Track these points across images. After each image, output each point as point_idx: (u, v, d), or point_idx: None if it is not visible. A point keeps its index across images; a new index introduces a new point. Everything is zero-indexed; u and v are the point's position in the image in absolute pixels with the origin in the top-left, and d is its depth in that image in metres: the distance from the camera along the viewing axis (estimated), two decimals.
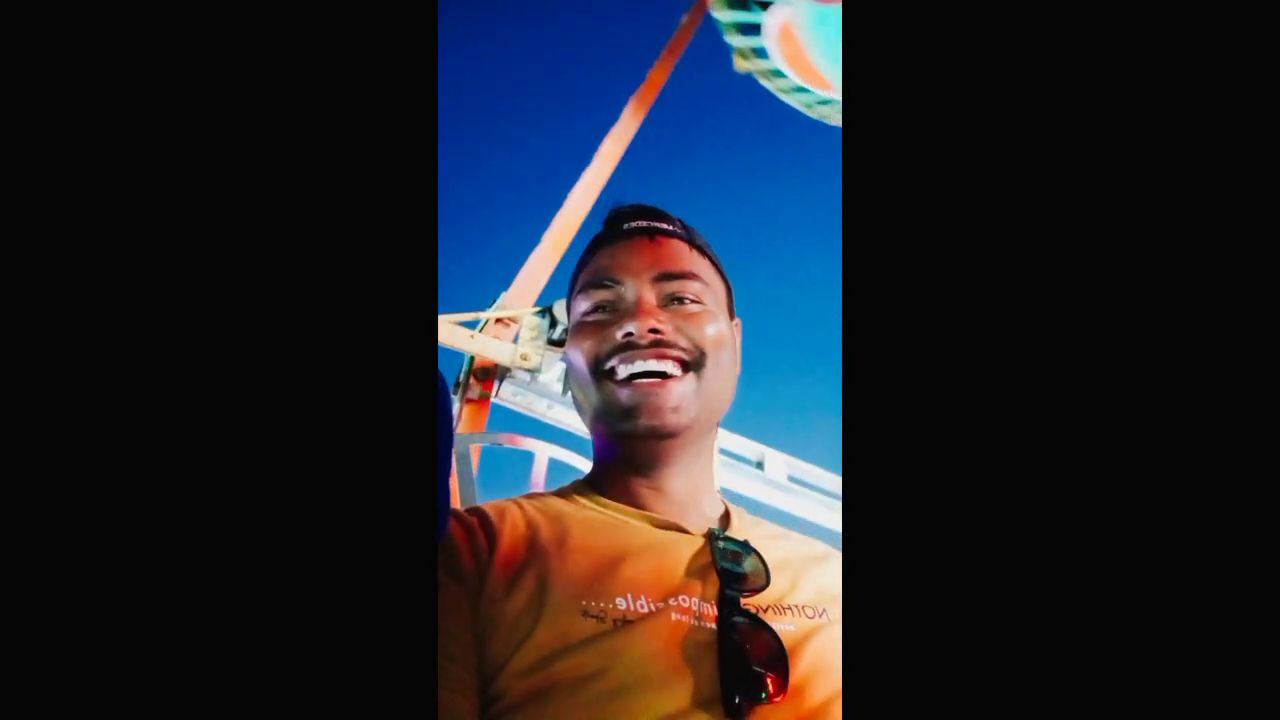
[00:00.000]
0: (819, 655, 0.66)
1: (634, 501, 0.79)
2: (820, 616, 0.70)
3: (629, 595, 0.64)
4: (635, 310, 0.80)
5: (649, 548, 0.71)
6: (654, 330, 0.78)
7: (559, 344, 2.58)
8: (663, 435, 0.78)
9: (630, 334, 0.78)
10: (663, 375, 0.78)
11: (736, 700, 0.58)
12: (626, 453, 0.81)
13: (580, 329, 0.83)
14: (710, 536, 0.75)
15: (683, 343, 0.79)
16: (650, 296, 0.81)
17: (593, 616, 0.62)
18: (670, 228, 0.87)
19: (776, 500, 2.96)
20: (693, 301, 0.82)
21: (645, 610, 0.63)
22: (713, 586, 0.68)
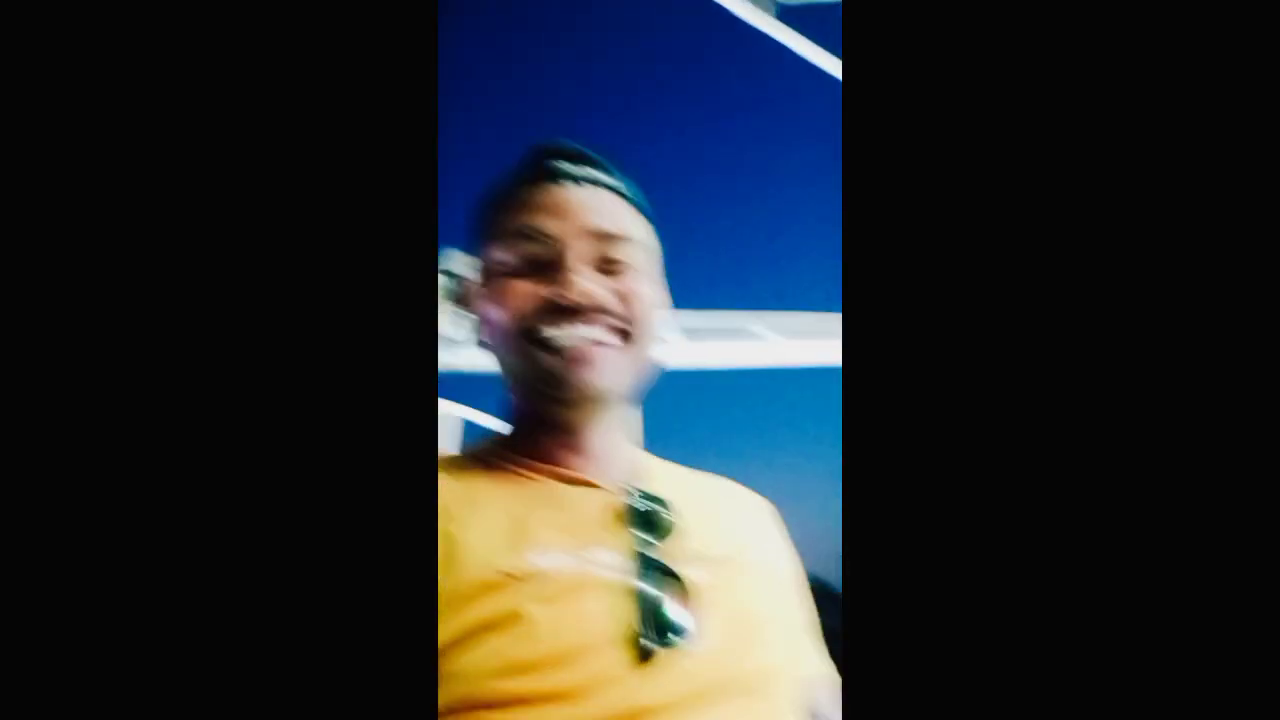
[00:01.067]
0: (728, 601, 0.69)
1: (551, 459, 0.77)
2: (726, 563, 0.73)
3: (542, 550, 0.65)
4: (567, 270, 0.74)
5: (561, 503, 0.72)
6: (588, 295, 0.74)
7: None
8: (594, 404, 0.75)
9: (564, 300, 0.73)
10: (593, 343, 0.74)
11: (647, 647, 0.62)
12: (548, 415, 0.77)
13: (500, 283, 0.76)
14: (623, 490, 0.75)
15: (618, 309, 0.75)
16: (583, 255, 0.75)
17: (505, 572, 0.63)
18: (606, 178, 0.80)
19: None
20: (627, 267, 0.77)
21: (559, 565, 0.65)
22: (625, 539, 0.70)
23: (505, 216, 0.78)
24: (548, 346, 0.74)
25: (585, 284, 0.74)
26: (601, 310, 0.75)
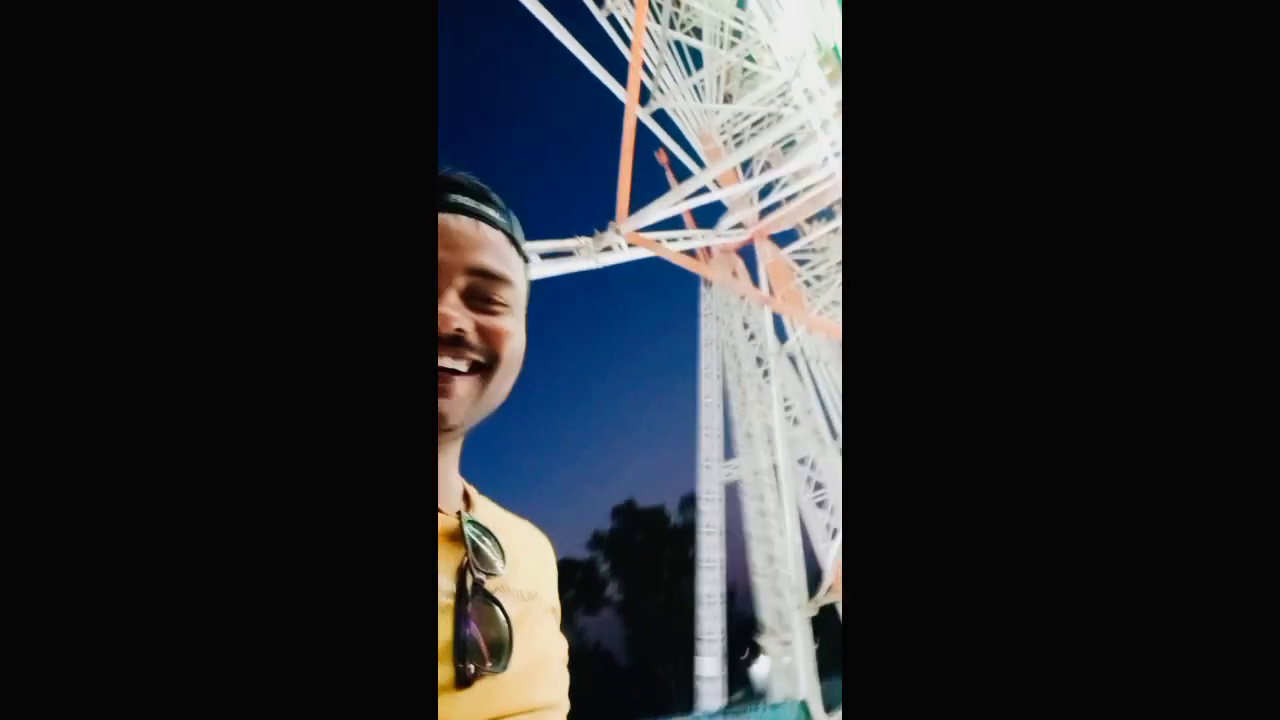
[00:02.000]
0: (532, 633, 0.76)
1: None
2: (531, 600, 0.80)
3: None
4: (445, 304, 0.76)
5: None
6: (458, 330, 0.76)
7: None
8: (440, 431, 0.77)
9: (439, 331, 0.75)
10: (451, 372, 0.77)
11: (469, 669, 0.67)
12: None
13: None
14: (460, 517, 0.79)
15: (480, 346, 0.78)
16: (459, 288, 0.78)
17: None
18: (497, 217, 0.83)
19: None
20: (500, 306, 0.80)
21: None
22: (453, 562, 0.74)
23: None
24: None
25: (457, 320, 0.76)
26: (465, 346, 0.77)
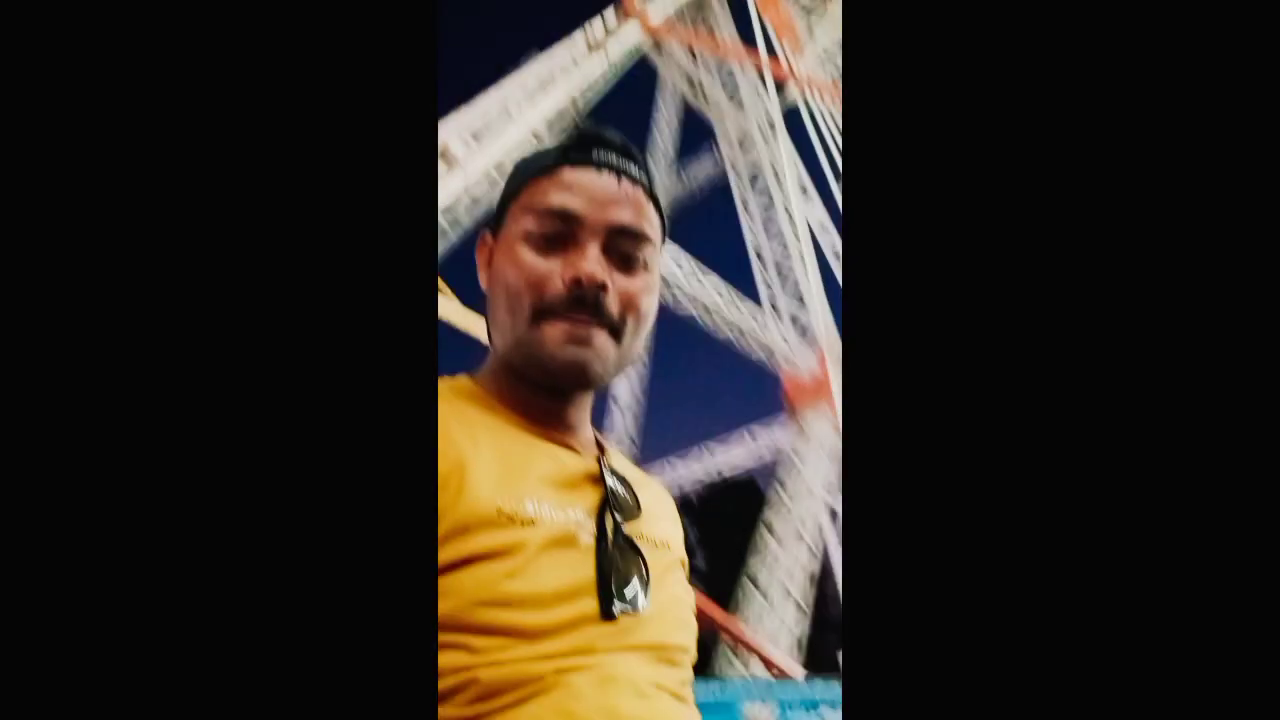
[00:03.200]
0: (664, 580, 0.79)
1: (529, 416, 0.82)
2: (664, 548, 0.83)
3: (535, 500, 0.72)
4: (586, 261, 0.78)
5: (548, 460, 0.79)
6: (602, 290, 0.78)
7: None
8: (581, 384, 0.81)
9: (578, 282, 0.77)
10: (590, 337, 0.78)
11: (615, 607, 0.71)
12: (529, 380, 0.82)
13: (521, 250, 0.81)
14: (599, 462, 0.82)
15: (618, 305, 0.80)
16: (601, 245, 0.80)
17: (505, 514, 0.70)
18: (638, 173, 0.84)
19: None
20: (640, 264, 0.82)
21: (547, 515, 0.72)
22: (594, 503, 0.77)
23: (539, 188, 0.82)
24: (548, 321, 0.78)
25: (596, 272, 0.77)
26: (603, 302, 0.78)
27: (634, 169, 0.84)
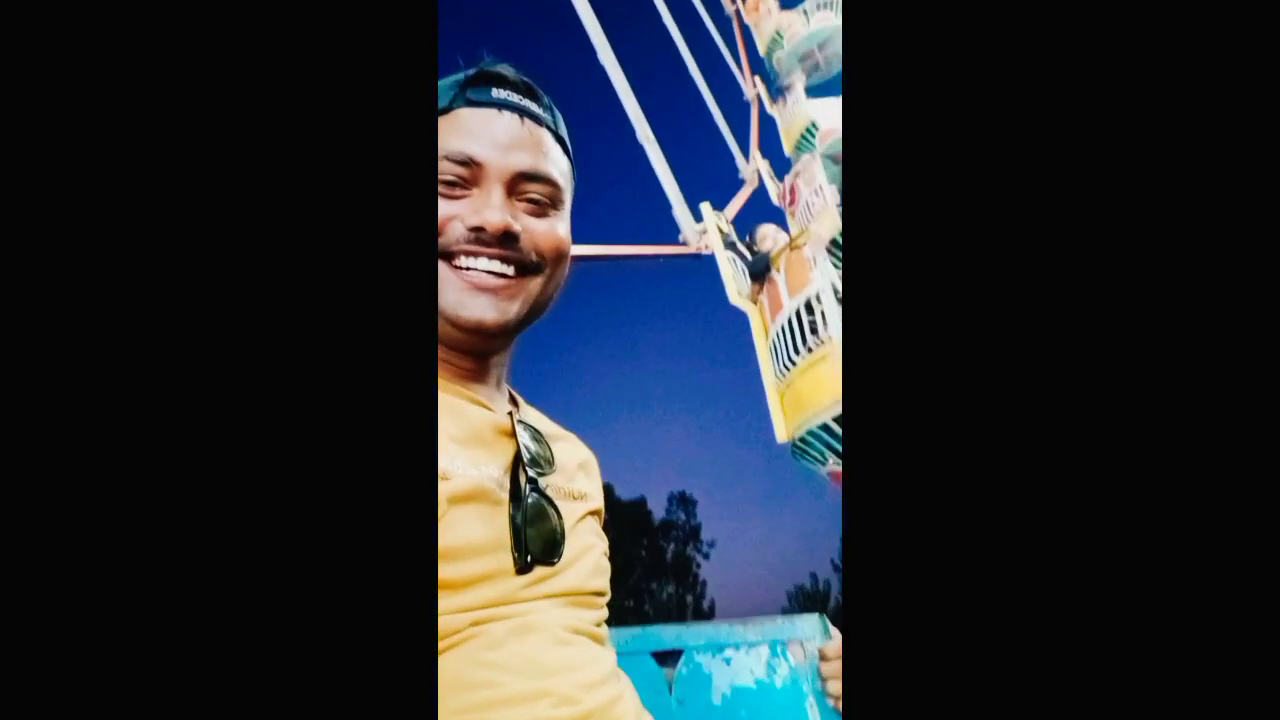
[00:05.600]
0: (579, 530, 0.80)
1: (447, 374, 0.80)
2: (581, 500, 0.83)
3: (446, 455, 0.71)
4: (491, 204, 0.76)
5: (460, 416, 0.77)
6: (507, 233, 0.76)
7: None
8: (482, 332, 0.78)
9: (482, 230, 0.75)
10: (500, 275, 0.77)
11: (528, 560, 0.71)
12: (443, 333, 0.79)
13: None
14: (512, 418, 0.80)
15: (527, 247, 0.78)
16: (507, 189, 0.78)
17: None
18: (541, 113, 0.81)
19: None
20: (546, 206, 0.80)
21: (460, 471, 0.71)
22: (509, 460, 0.77)
23: (439, 130, 0.79)
24: (455, 265, 0.76)
25: (498, 214, 0.75)
26: (508, 244, 0.76)
27: (536, 108, 0.81)
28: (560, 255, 0.80)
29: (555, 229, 0.80)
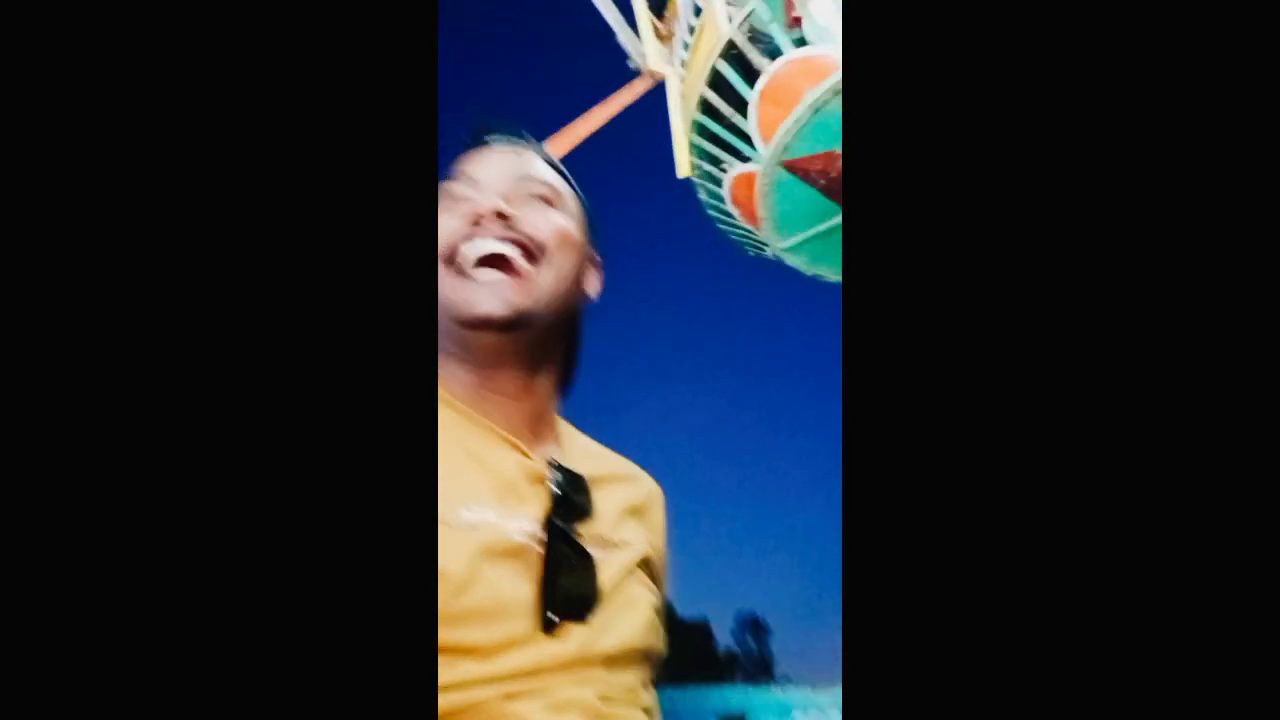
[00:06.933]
0: (623, 582, 0.76)
1: (477, 406, 0.78)
2: (626, 548, 0.78)
3: (475, 506, 0.69)
4: (486, 200, 0.78)
5: (489, 460, 0.75)
6: (500, 214, 0.76)
7: None
8: (498, 325, 0.75)
9: (478, 215, 0.77)
10: (503, 260, 0.76)
11: (554, 619, 0.68)
12: (464, 349, 0.78)
13: (439, 222, 0.80)
14: (549, 463, 0.78)
15: (526, 227, 0.77)
16: (505, 189, 0.80)
17: (442, 521, 0.66)
18: (531, 142, 0.86)
19: None
20: (546, 201, 0.81)
21: (490, 523, 0.69)
22: (542, 508, 0.74)
23: (446, 185, 0.82)
24: (461, 262, 0.76)
25: (499, 202, 0.76)
26: (513, 227, 0.76)
27: (525, 138, 0.85)
28: (563, 240, 0.80)
29: (557, 217, 0.80)
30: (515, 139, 0.85)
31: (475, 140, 0.85)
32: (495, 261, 0.76)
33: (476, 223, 0.76)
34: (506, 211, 0.76)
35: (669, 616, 0.85)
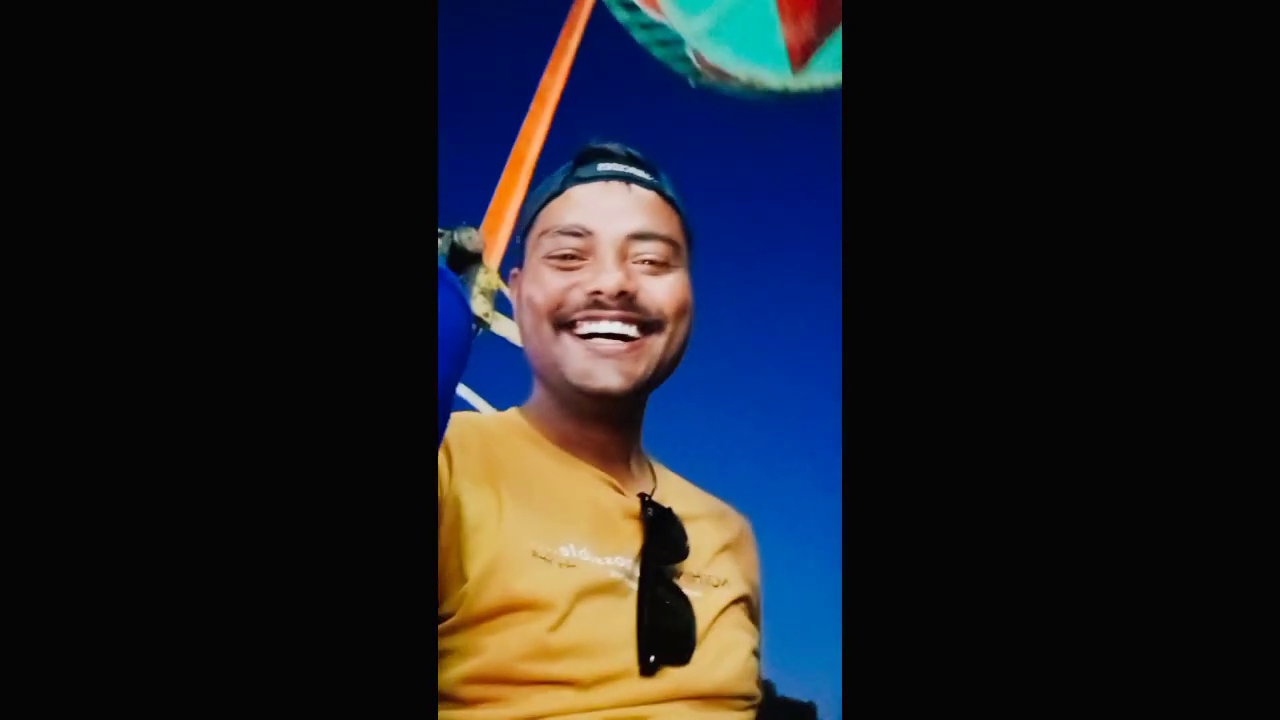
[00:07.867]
0: (720, 623, 0.76)
1: (571, 449, 0.81)
2: (723, 586, 0.79)
3: (572, 544, 0.71)
4: (606, 268, 0.79)
5: (589, 501, 0.77)
6: (624, 293, 0.77)
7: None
8: (610, 398, 0.79)
9: (599, 294, 0.78)
10: (622, 338, 0.78)
11: (651, 660, 0.68)
12: (568, 403, 0.81)
13: (542, 271, 0.81)
14: (642, 501, 0.79)
15: (647, 306, 0.79)
16: (621, 253, 0.80)
17: (540, 557, 0.69)
18: (646, 177, 0.84)
19: None
20: (661, 265, 0.81)
21: (586, 561, 0.71)
22: (637, 547, 0.75)
23: (552, 212, 0.83)
24: (576, 333, 0.78)
25: (614, 282, 0.77)
26: (634, 308, 0.78)
27: (641, 173, 0.83)
28: (681, 310, 0.81)
29: (673, 285, 0.81)
30: (623, 166, 0.83)
31: (584, 168, 0.84)
32: (616, 340, 0.78)
33: (596, 299, 0.78)
34: (629, 289, 0.78)
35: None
